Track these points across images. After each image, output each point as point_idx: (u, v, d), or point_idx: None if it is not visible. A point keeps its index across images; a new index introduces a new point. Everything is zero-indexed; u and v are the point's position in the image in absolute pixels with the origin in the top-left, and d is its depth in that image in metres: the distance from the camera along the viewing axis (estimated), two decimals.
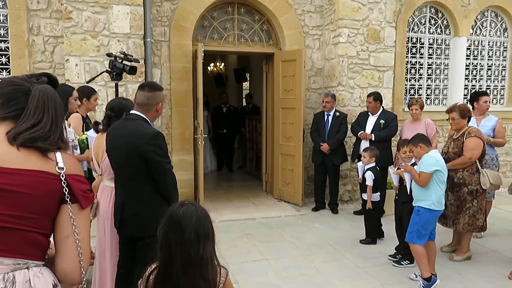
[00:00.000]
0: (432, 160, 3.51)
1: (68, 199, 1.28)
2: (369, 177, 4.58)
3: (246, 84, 11.23)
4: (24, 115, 1.30)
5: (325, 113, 5.94)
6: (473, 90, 7.06)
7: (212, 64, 11.76)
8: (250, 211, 5.89)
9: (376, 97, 5.65)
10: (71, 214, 1.28)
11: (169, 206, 2.49)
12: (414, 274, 3.80)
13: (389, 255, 4.24)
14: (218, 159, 9.15)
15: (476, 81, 7.78)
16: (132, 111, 2.59)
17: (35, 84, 1.34)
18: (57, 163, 1.29)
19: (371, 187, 4.57)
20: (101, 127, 2.98)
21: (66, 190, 1.27)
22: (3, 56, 5.39)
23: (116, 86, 4.06)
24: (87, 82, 4.41)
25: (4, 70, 5.39)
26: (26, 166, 1.24)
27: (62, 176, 1.27)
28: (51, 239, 1.34)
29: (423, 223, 3.51)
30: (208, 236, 1.50)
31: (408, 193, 3.84)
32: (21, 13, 5.27)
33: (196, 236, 1.46)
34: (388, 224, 4.86)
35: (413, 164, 3.90)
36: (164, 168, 2.47)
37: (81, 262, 1.29)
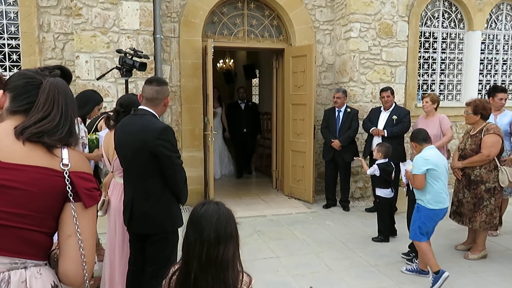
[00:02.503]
0: (421, 161, 3.51)
1: (71, 197, 1.22)
2: (373, 169, 4.62)
3: (255, 81, 11.21)
4: (34, 108, 1.26)
5: (336, 109, 5.91)
6: (490, 85, 6.92)
7: (221, 61, 11.73)
8: (261, 208, 5.88)
9: (392, 91, 5.61)
10: (73, 212, 1.22)
11: (179, 202, 2.50)
12: (405, 268, 3.86)
13: (402, 253, 4.19)
14: (237, 163, 8.05)
15: (491, 76, 7.63)
16: (140, 107, 2.58)
17: (47, 77, 1.30)
18: (62, 159, 1.24)
19: (366, 171, 4.74)
20: (112, 122, 2.98)
21: (69, 188, 1.22)
22: (14, 53, 5.43)
23: (126, 82, 4.07)
24: (97, 79, 4.44)
25: (15, 67, 5.43)
26: (29, 162, 1.20)
27: (66, 173, 1.22)
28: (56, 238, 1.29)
29: (423, 219, 3.53)
30: (230, 238, 1.44)
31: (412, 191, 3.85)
32: (31, 10, 5.29)
33: (216, 236, 1.41)
34: (401, 221, 4.79)
35: None
36: (174, 163, 2.45)
37: (84, 264, 1.22)
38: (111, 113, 3.00)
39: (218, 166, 7.69)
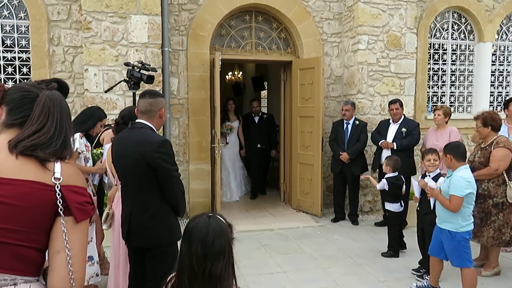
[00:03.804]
0: (464, 183, 3.22)
1: (61, 211, 1.21)
2: (382, 184, 4.55)
3: (264, 93, 11.19)
4: (28, 121, 1.27)
5: (344, 121, 5.89)
6: (502, 97, 6.84)
7: (230, 73, 11.80)
8: (268, 222, 5.84)
9: (401, 104, 5.58)
10: (63, 227, 1.20)
11: (176, 215, 2.57)
12: (415, 284, 3.73)
13: (413, 269, 4.10)
14: (252, 182, 7.39)
15: (502, 87, 7.54)
16: (137, 120, 2.61)
17: (44, 90, 1.31)
18: (54, 173, 1.23)
19: (376, 186, 4.70)
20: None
21: (59, 202, 1.20)
22: (25, 67, 5.51)
23: (134, 95, 4.10)
24: (105, 92, 4.47)
25: (26, 80, 5.50)
26: (21, 176, 1.19)
27: (57, 187, 1.21)
28: None
29: (463, 243, 3.30)
30: (219, 253, 1.41)
31: (431, 208, 3.72)
32: (41, 23, 5.40)
33: (202, 251, 1.39)
34: (411, 236, 4.69)
35: (438, 175, 3.78)
36: (172, 175, 2.47)
37: (72, 282, 1.19)
38: (113, 125, 3.03)
39: (236, 188, 7.15)
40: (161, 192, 2.47)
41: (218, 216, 1.50)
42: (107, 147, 3.44)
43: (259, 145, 7.22)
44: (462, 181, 3.22)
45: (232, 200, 7.02)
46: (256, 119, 7.35)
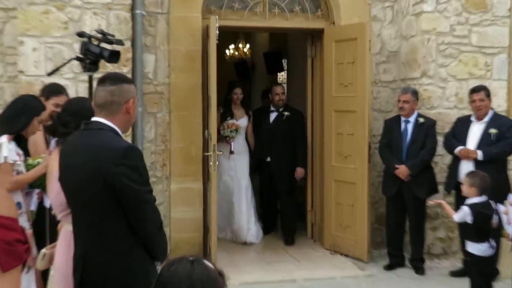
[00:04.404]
0: None
1: None
2: (462, 213, 4.45)
3: (282, 76, 11.24)
4: None
5: (403, 118, 5.85)
6: None
7: (232, 47, 11.82)
8: (289, 269, 5.84)
9: (488, 93, 5.52)
10: None
11: (152, 258, 2.59)
12: None
13: None
14: (265, 214, 7.31)
15: None
16: (93, 118, 2.60)
17: None
18: None
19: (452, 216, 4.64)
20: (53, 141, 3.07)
21: None
22: None
23: (90, 80, 4.03)
24: (49, 74, 4.51)
25: None
26: None
27: None
28: None
29: None
30: None
31: None
32: None
33: None
34: None
35: None
36: (143, 200, 2.47)
37: None
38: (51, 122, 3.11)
39: (244, 223, 6.85)
40: (129, 222, 2.48)
41: (205, 261, 1.54)
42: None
43: (268, 158, 6.98)
44: None
45: (237, 240, 6.80)
46: (272, 116, 7.06)
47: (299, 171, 6.86)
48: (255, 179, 7.25)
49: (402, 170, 5.65)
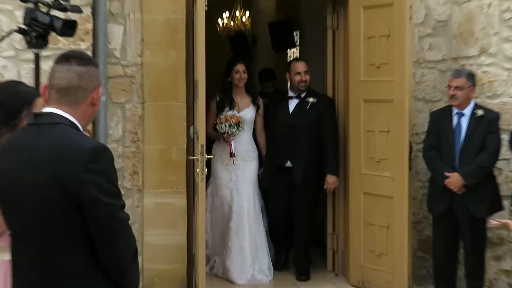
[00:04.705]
0: None
1: None
2: None
3: (294, 52, 11.31)
4: None
5: (455, 110, 5.89)
6: None
7: (225, 15, 12.14)
8: None
9: None
10: None
11: None
12: None
13: None
14: (277, 242, 7.08)
15: None
16: (46, 109, 2.56)
17: None
18: None
19: None
20: None
21: None
22: None
23: (37, 58, 4.02)
24: None
25: None
26: None
27: None
28: None
29: None
30: None
31: None
32: None
33: None
34: None
35: None
36: (116, 218, 2.43)
37: None
38: None
39: (249, 255, 6.61)
40: (92, 250, 2.42)
41: None
42: None
43: (289, 163, 6.75)
44: None
45: (236, 282, 6.48)
46: (292, 104, 6.86)
47: (331, 181, 6.66)
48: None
49: (454, 180, 5.68)
